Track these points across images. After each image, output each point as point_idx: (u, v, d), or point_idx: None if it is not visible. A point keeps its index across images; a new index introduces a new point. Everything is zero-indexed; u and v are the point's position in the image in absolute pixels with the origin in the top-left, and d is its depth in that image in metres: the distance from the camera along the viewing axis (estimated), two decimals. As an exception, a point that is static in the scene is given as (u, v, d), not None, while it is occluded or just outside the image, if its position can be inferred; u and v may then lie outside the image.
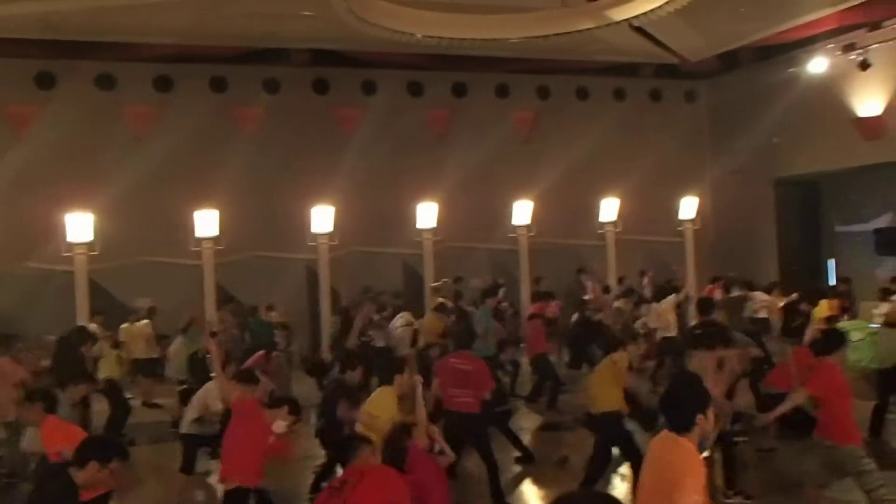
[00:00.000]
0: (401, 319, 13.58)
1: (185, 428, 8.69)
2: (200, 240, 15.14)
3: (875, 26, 16.66)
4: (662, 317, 13.25)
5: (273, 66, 17.74)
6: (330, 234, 16.21)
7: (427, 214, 16.95)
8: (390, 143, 18.10)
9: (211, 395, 8.39)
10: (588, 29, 13.61)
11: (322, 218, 16.06)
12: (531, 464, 9.38)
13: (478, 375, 8.24)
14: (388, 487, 5.35)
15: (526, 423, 11.32)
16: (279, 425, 6.79)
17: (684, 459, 4.05)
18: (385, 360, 9.28)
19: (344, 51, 17.27)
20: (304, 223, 16.25)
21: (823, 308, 12.16)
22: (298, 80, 18.10)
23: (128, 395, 12.36)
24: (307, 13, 14.76)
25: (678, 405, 4.19)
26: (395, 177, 17.86)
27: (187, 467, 8.64)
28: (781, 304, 13.69)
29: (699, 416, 4.08)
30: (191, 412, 8.66)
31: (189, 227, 15.20)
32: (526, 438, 10.27)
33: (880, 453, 8.86)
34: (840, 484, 6.47)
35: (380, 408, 7.14)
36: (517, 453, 9.51)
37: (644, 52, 18.17)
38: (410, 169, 17.97)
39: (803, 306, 12.83)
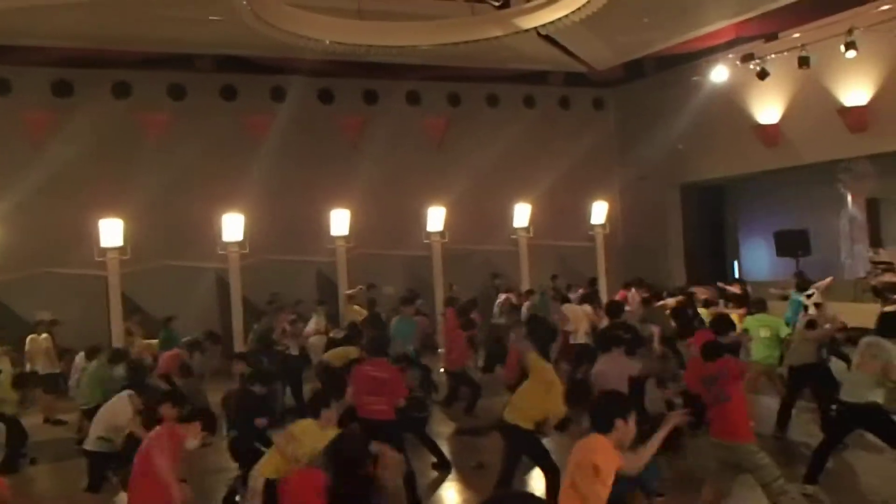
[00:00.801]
0: (313, 326, 13.46)
1: (90, 445, 8.38)
2: (105, 250, 14.66)
3: (771, 37, 17.35)
4: (576, 321, 13.28)
5: (179, 72, 17.38)
6: (240, 243, 15.93)
7: (340, 221, 16.84)
8: (301, 150, 17.94)
9: (118, 411, 8.10)
10: (496, 37, 13.71)
11: (232, 226, 15.78)
12: (448, 470, 9.37)
13: (392, 383, 8.19)
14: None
15: (442, 429, 11.31)
16: (191, 442, 6.59)
17: (597, 448, 4.41)
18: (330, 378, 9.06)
19: (252, 57, 17.02)
20: (215, 231, 15.93)
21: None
22: (205, 85, 17.76)
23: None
24: (213, 18, 14.48)
25: (601, 408, 4.60)
26: (307, 184, 17.69)
27: (94, 486, 8.33)
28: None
29: (619, 421, 4.47)
30: (96, 429, 8.36)
31: (94, 236, 14.71)
32: (442, 444, 10.27)
33: (785, 448, 9.21)
34: (740, 479, 6.65)
35: (305, 433, 6.80)
36: (434, 459, 9.49)
37: (553, 61, 18.50)
38: (322, 176, 17.82)
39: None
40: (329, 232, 16.95)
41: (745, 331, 10.48)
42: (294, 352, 12.50)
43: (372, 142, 18.62)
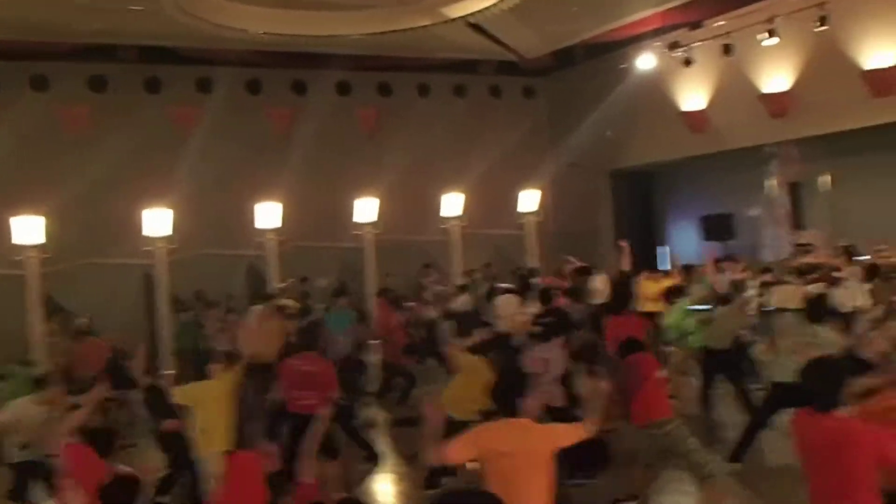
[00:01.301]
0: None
1: (14, 458, 8.03)
2: (23, 248, 14.16)
3: (696, 25, 17.64)
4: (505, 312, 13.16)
5: (100, 63, 16.88)
6: (168, 238, 15.56)
7: (270, 214, 16.57)
8: (230, 143, 17.61)
9: (25, 414, 7.79)
10: (424, 26, 13.72)
11: (159, 221, 15.38)
12: (378, 462, 9.34)
13: (323, 377, 8.10)
14: None
15: (376, 420, 11.29)
16: None
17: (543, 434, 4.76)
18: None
19: (176, 47, 16.65)
20: (141, 227, 15.55)
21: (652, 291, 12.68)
22: (128, 77, 17.28)
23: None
24: (134, 7, 14.12)
25: (503, 392, 4.84)
26: (237, 176, 17.38)
27: (17, 495, 8.02)
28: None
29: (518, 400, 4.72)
30: (13, 438, 8.03)
31: (9, 234, 14.21)
32: (375, 436, 10.24)
33: (710, 428, 9.41)
34: (669, 461, 6.76)
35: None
36: (364, 452, 9.44)
37: (483, 50, 18.53)
38: (252, 168, 17.53)
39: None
40: (259, 225, 16.69)
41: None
42: (223, 347, 12.25)
43: (302, 133, 18.34)
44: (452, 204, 17.76)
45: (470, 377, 7.81)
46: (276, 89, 18.79)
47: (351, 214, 17.27)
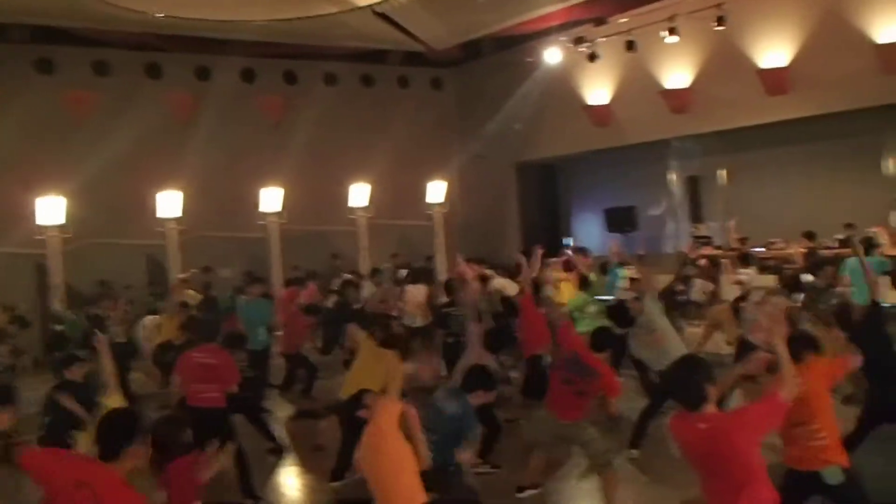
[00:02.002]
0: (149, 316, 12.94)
1: None
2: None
3: (600, 21, 17.94)
4: (413, 303, 13.19)
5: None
6: (62, 227, 14.95)
7: (170, 203, 16.12)
8: (128, 128, 16.88)
9: None
10: (331, 14, 13.52)
11: (51, 209, 14.77)
12: (283, 454, 9.20)
13: (223, 369, 7.89)
14: None
15: (279, 413, 11.11)
16: None
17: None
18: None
19: (71, 28, 15.95)
20: (31, 215, 14.88)
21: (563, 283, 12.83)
22: (18, 58, 16.47)
23: None
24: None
25: None
26: (135, 164, 16.73)
27: None
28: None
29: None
30: None
31: None
32: (279, 428, 10.08)
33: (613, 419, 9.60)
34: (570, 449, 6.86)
35: None
36: (270, 444, 9.29)
37: (390, 40, 18.41)
38: (151, 155, 16.93)
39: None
40: (158, 214, 16.20)
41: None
42: (120, 339, 11.85)
43: (204, 119, 17.87)
44: (360, 194, 17.64)
45: (369, 360, 7.82)
46: (177, 74, 18.22)
47: (256, 204, 16.98)
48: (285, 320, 12.73)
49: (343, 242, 18.54)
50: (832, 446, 5.05)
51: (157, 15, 13.47)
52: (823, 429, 5.01)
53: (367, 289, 14.15)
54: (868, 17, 14.36)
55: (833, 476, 4.95)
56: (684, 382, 4.18)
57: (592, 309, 10.97)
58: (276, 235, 16.95)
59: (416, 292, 13.11)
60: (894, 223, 14.61)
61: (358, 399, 7.41)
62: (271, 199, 16.87)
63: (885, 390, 6.57)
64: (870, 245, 11.83)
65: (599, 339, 7.03)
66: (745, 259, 13.10)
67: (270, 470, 8.82)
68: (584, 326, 10.58)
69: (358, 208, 17.70)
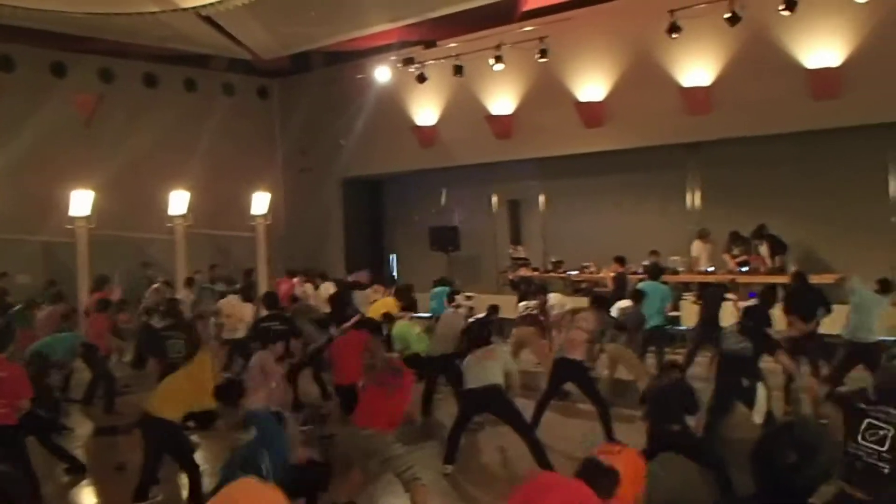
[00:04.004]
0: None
1: None
2: None
3: (430, 44, 18.25)
4: (235, 316, 12.71)
5: None
6: None
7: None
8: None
9: None
10: (153, 12, 12.94)
11: None
12: (82, 473, 8.60)
13: (13, 382, 7.28)
14: None
15: (80, 429, 10.41)
16: None
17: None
18: None
19: None
20: None
21: (381, 303, 12.84)
22: None
23: None
24: None
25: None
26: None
27: None
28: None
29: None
30: None
31: None
32: (79, 446, 9.45)
33: (429, 431, 9.67)
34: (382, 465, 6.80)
35: None
36: (65, 465, 8.66)
37: (216, 45, 17.90)
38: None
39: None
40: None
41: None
42: None
43: (6, 114, 16.62)
44: (178, 202, 16.89)
45: (185, 375, 7.50)
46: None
47: (62, 205, 15.85)
48: (94, 329, 12.02)
49: (159, 251, 17.71)
50: None
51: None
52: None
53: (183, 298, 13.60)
54: (674, 62, 15.44)
55: None
56: None
57: (415, 330, 11.12)
58: (85, 240, 15.89)
59: (239, 305, 12.67)
60: (696, 253, 15.70)
61: (162, 419, 7.11)
62: (80, 202, 15.80)
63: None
64: (656, 271, 12.71)
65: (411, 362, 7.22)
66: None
67: (67, 489, 8.23)
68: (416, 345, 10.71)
69: (176, 216, 16.93)
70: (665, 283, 12.67)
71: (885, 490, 4.67)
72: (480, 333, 9.08)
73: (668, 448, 6.88)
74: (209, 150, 18.98)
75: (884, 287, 9.71)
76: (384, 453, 6.50)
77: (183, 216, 16.93)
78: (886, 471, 4.68)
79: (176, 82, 19.86)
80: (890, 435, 4.73)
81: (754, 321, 8.61)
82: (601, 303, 10.08)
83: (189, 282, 15.77)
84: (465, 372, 8.28)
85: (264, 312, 11.45)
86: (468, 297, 13.16)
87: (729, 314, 11.25)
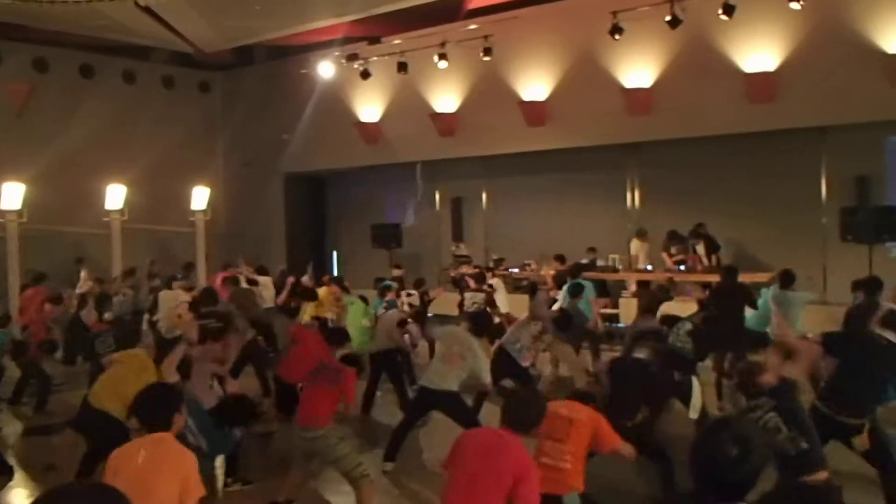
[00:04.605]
0: None
1: None
2: None
3: (374, 41, 18.18)
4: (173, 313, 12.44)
5: None
6: None
7: None
8: None
9: None
10: (89, 1, 12.63)
11: None
12: (9, 476, 8.35)
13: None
14: None
15: (8, 430, 10.12)
16: None
17: (171, 452, 4.19)
18: None
19: None
20: None
21: (323, 294, 12.78)
22: None
23: None
24: None
25: (154, 408, 4.39)
26: None
27: None
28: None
29: (176, 416, 4.37)
30: None
31: None
32: (9, 446, 9.18)
33: (370, 429, 9.64)
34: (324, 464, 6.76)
35: None
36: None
37: (156, 37, 17.58)
38: None
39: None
40: None
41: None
42: None
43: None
44: (115, 196, 16.52)
45: (126, 368, 7.36)
46: None
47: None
48: (27, 323, 11.71)
49: (95, 245, 17.30)
50: (574, 472, 5.34)
51: None
52: (572, 453, 5.31)
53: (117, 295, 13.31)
54: (616, 63, 15.65)
55: (572, 501, 5.25)
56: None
57: (365, 322, 11.15)
58: (15, 235, 15.43)
59: (170, 298, 12.43)
60: (634, 251, 15.95)
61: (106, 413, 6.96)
62: (11, 195, 15.33)
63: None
64: (578, 269, 12.76)
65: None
66: (480, 278, 13.71)
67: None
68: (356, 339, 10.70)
69: (112, 210, 16.55)
70: (587, 280, 12.69)
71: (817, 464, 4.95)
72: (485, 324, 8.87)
73: None
74: (148, 143, 18.61)
75: (785, 280, 9.99)
76: (329, 455, 6.45)
77: (119, 211, 16.58)
78: (802, 448, 4.93)
79: (114, 74, 19.42)
80: (774, 419, 4.98)
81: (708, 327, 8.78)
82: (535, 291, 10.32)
83: (126, 277, 15.42)
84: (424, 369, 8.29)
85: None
86: (409, 294, 13.17)
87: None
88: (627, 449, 5.74)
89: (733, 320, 9.86)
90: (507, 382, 9.11)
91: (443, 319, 13.82)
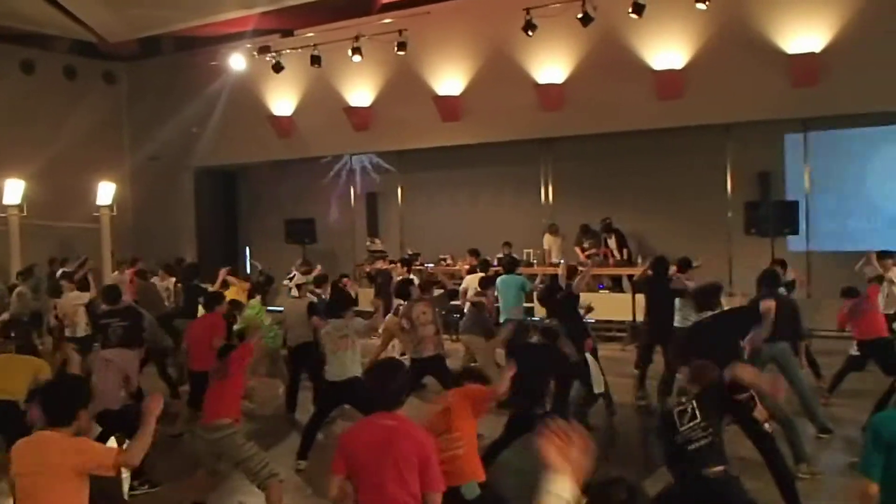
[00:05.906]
0: None
1: None
2: None
3: (287, 33, 17.90)
4: (71, 313, 11.96)
5: None
6: None
7: None
8: None
9: None
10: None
11: None
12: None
13: None
14: None
15: None
16: None
17: (67, 447, 4.08)
18: None
19: None
20: None
21: (232, 292, 12.50)
22: None
23: None
24: None
25: (59, 401, 4.25)
26: None
27: None
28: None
29: (81, 411, 4.24)
30: None
31: None
32: None
33: (295, 427, 9.44)
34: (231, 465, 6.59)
35: None
36: None
37: (57, 25, 16.93)
38: None
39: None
40: None
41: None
42: None
43: None
44: (12, 191, 15.84)
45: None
46: None
47: None
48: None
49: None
50: (469, 459, 5.16)
51: None
52: (462, 437, 5.18)
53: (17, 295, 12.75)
54: (529, 60, 15.80)
55: (471, 491, 5.03)
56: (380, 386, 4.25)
57: (268, 319, 10.95)
58: None
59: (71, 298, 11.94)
60: (547, 245, 16.12)
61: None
62: None
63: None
64: (512, 264, 12.73)
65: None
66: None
67: None
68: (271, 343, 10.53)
69: (10, 206, 15.85)
70: (519, 274, 12.78)
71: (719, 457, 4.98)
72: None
73: (527, 431, 6.72)
74: (49, 136, 17.91)
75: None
76: (236, 456, 6.28)
77: (17, 206, 15.90)
78: (706, 441, 4.96)
79: (11, 63, 18.62)
80: (692, 406, 5.08)
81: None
82: (428, 288, 10.56)
83: (25, 276, 14.78)
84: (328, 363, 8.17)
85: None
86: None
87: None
88: (503, 386, 5.53)
89: (663, 312, 9.90)
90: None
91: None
